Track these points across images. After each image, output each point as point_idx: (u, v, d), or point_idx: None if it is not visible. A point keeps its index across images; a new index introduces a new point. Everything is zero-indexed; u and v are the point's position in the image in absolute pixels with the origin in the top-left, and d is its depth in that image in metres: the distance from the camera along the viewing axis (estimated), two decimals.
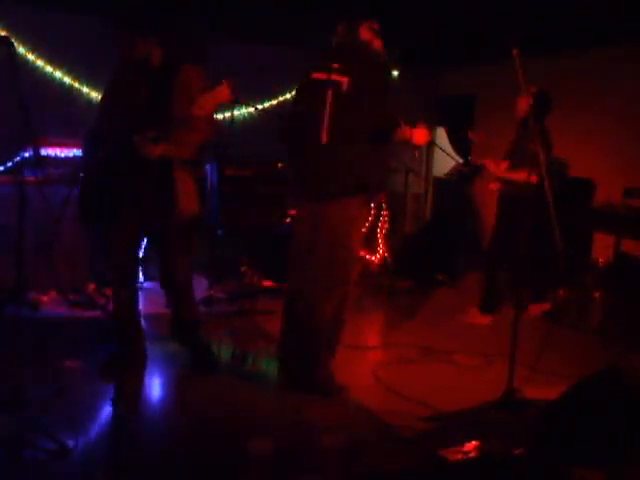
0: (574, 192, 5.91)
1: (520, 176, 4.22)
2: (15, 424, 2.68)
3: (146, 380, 3.31)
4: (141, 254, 4.27)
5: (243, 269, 5.16)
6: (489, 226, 5.63)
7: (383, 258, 5.74)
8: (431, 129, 3.59)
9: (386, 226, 5.78)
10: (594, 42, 5.68)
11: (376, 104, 3.02)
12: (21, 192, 2.82)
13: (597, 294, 5.37)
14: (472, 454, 2.49)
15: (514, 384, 3.14)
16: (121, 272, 3.20)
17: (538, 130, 4.02)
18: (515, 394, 3.14)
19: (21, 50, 5.46)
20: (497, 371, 3.45)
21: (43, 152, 4.68)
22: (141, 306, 3.59)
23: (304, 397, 3.39)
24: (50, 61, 5.65)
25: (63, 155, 4.91)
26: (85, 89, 5.82)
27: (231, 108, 4.93)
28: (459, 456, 2.50)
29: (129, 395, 3.15)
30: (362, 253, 5.87)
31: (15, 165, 4.61)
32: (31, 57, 5.55)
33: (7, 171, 4.66)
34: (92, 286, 4.70)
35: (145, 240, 3.99)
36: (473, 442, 2.57)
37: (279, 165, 5.53)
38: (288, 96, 6.96)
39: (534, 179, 3.80)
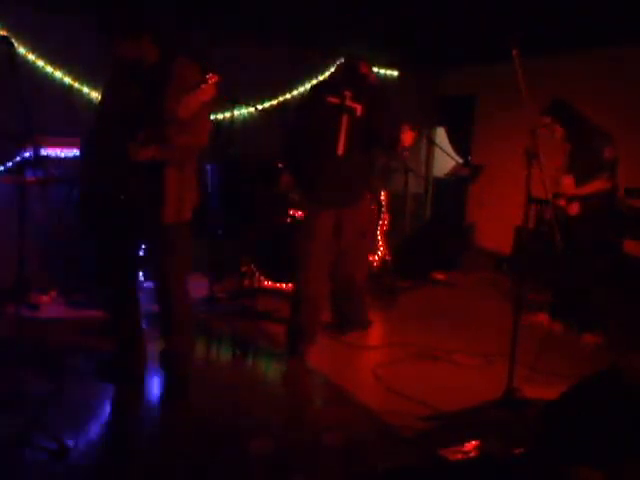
0: None
1: (597, 185, 4.24)
2: (15, 424, 2.68)
3: (146, 380, 3.30)
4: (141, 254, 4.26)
5: (243, 269, 5.16)
6: (489, 225, 5.65)
7: (383, 258, 5.74)
8: (416, 131, 3.98)
9: (386, 226, 5.78)
10: (594, 42, 5.68)
11: (385, 123, 3.72)
12: (21, 192, 2.83)
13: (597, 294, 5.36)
14: (472, 454, 2.49)
15: (514, 384, 3.14)
16: (119, 272, 3.18)
17: (592, 134, 4.15)
18: (515, 394, 3.14)
19: (21, 50, 5.46)
20: (497, 371, 3.45)
21: (43, 152, 4.68)
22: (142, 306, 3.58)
23: (304, 397, 3.40)
24: (50, 61, 5.65)
25: (63, 155, 4.91)
26: (85, 89, 5.82)
27: (231, 108, 4.94)
28: (459, 456, 2.51)
29: (129, 395, 3.16)
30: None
31: (15, 165, 4.61)
32: (31, 57, 5.55)
33: (7, 171, 4.66)
34: (92, 286, 4.69)
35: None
36: (473, 442, 2.57)
37: (279, 165, 5.53)
38: (288, 96, 6.96)
39: (610, 184, 4.01)
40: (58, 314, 4.35)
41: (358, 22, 5.89)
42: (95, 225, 3.17)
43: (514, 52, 3.08)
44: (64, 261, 4.63)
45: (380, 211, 5.74)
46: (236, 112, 5.68)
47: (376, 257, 5.72)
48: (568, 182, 4.31)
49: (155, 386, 3.33)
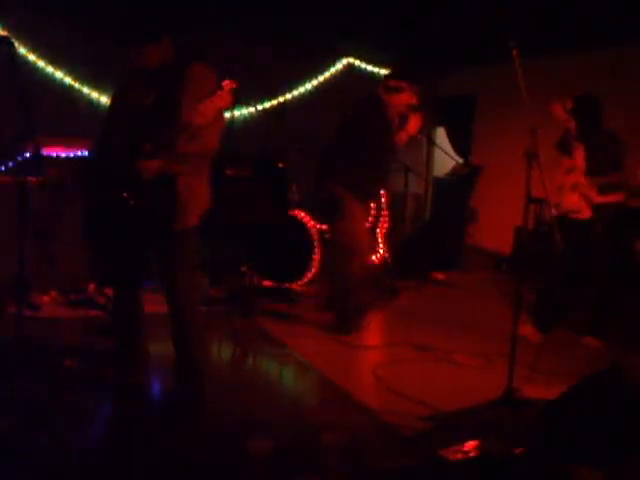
0: None
1: (618, 197, 4.20)
2: (15, 424, 2.68)
3: (147, 380, 3.30)
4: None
5: (243, 269, 5.16)
6: (489, 225, 5.65)
7: (383, 258, 5.74)
8: (421, 117, 4.38)
9: (386, 226, 5.78)
10: (594, 42, 5.68)
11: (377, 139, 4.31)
12: (21, 192, 2.82)
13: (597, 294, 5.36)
14: (472, 454, 2.49)
15: (514, 384, 3.14)
16: (123, 273, 3.17)
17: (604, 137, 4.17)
18: (515, 394, 3.14)
19: (22, 50, 5.46)
20: (497, 371, 3.45)
21: (43, 152, 4.68)
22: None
23: (304, 397, 3.40)
24: (51, 62, 5.66)
25: (63, 155, 4.91)
26: (85, 89, 5.83)
27: (231, 108, 4.94)
28: (459, 456, 2.51)
29: (129, 395, 3.15)
30: None
31: (15, 165, 4.61)
32: (32, 57, 5.55)
33: (7, 171, 4.66)
34: (92, 286, 4.70)
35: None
36: (473, 442, 2.57)
37: (279, 165, 5.54)
38: (288, 96, 6.96)
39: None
40: (58, 314, 4.35)
41: (358, 22, 5.89)
42: (103, 226, 3.13)
43: (514, 52, 3.08)
44: (65, 261, 4.63)
45: (380, 211, 5.74)
46: (236, 112, 5.69)
47: (376, 257, 5.73)
48: (574, 199, 4.22)
49: (155, 386, 3.33)
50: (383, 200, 5.78)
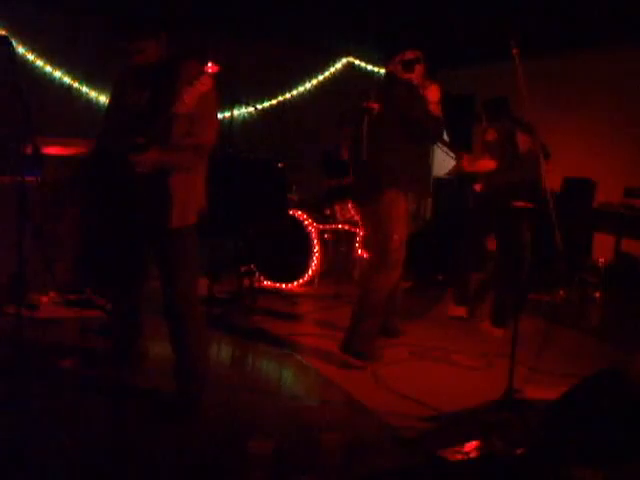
0: (574, 192, 5.91)
1: (482, 164, 4.50)
2: (15, 423, 2.68)
3: (145, 380, 3.30)
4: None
5: (243, 269, 5.16)
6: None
7: None
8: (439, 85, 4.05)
9: None
10: (594, 42, 5.68)
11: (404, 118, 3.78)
12: (20, 192, 2.82)
13: (597, 294, 5.38)
14: (472, 454, 2.49)
15: (514, 384, 3.14)
16: (123, 272, 3.17)
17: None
18: (515, 394, 3.14)
19: (21, 50, 5.46)
20: (497, 371, 3.45)
21: (42, 152, 4.67)
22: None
23: (304, 397, 3.40)
24: (50, 61, 5.66)
25: (63, 155, 4.90)
26: (85, 89, 5.83)
27: (231, 108, 4.94)
28: (459, 456, 2.50)
29: (128, 395, 3.15)
30: (362, 253, 5.87)
31: (14, 165, 4.61)
32: (31, 57, 5.56)
33: (7, 171, 4.65)
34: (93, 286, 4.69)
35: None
36: (473, 442, 2.57)
37: (279, 165, 5.53)
38: (288, 96, 6.96)
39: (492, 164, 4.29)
40: (58, 314, 4.35)
41: (358, 22, 5.89)
42: (103, 224, 3.11)
43: (514, 52, 3.08)
44: (65, 261, 4.62)
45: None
46: (236, 112, 5.69)
47: None
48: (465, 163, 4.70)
49: (155, 387, 3.32)
50: None
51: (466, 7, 5.01)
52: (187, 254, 2.96)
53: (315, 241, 5.45)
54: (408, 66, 3.89)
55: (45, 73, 5.64)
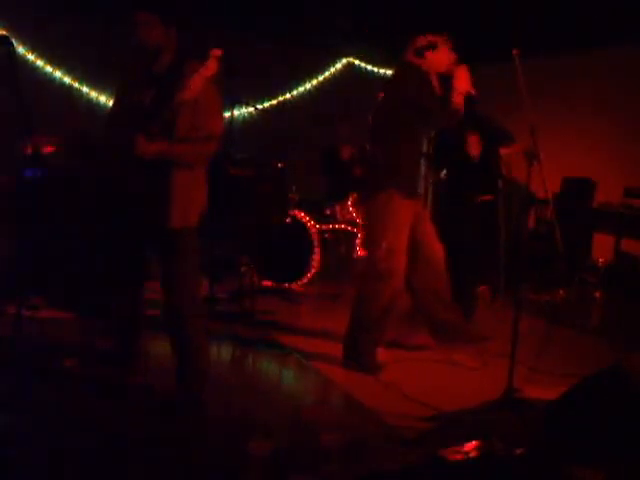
0: (574, 192, 5.91)
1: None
2: (15, 423, 2.68)
3: (146, 380, 3.30)
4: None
5: (243, 269, 5.16)
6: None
7: None
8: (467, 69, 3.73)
9: None
10: (594, 42, 5.68)
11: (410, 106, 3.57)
12: (20, 192, 2.82)
13: (597, 294, 5.38)
14: (472, 454, 2.49)
15: (514, 384, 3.14)
16: (124, 271, 3.16)
17: None
18: (515, 394, 3.14)
19: (21, 50, 5.46)
20: (497, 371, 3.44)
21: (42, 151, 4.67)
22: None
23: (304, 397, 3.40)
24: (50, 61, 5.66)
25: (63, 155, 4.90)
26: (85, 89, 5.83)
27: (231, 108, 4.94)
28: (459, 456, 2.50)
29: (128, 395, 3.15)
30: (362, 253, 5.87)
31: (15, 165, 4.61)
32: (31, 57, 5.55)
33: (7, 171, 4.65)
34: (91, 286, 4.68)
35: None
36: (473, 442, 2.57)
37: (279, 165, 5.53)
38: (288, 96, 6.96)
39: None
40: (58, 314, 4.34)
41: (358, 22, 5.90)
42: (104, 224, 3.09)
43: (514, 52, 3.08)
44: (64, 261, 4.62)
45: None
46: (236, 112, 5.68)
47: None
48: None
49: (155, 387, 3.32)
50: None
51: (466, 7, 5.01)
52: (188, 254, 2.95)
53: (315, 241, 5.45)
54: (419, 52, 3.66)
55: (45, 73, 5.64)
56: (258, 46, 6.38)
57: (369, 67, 7.55)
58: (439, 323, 3.91)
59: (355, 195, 5.92)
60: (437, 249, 3.88)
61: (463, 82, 3.68)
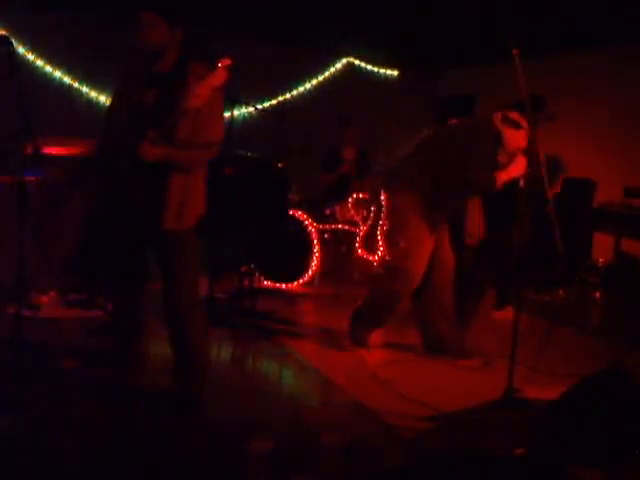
0: (574, 192, 5.91)
1: None
2: (16, 423, 2.68)
3: (146, 380, 3.30)
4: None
5: (243, 269, 5.16)
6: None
7: (383, 259, 5.73)
8: (525, 162, 3.56)
9: (386, 226, 5.77)
10: (594, 42, 5.68)
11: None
12: (20, 192, 2.82)
13: (597, 294, 5.38)
14: (473, 454, 2.49)
15: (514, 384, 3.14)
16: (123, 272, 3.16)
17: None
18: (515, 394, 3.14)
19: (21, 50, 5.46)
20: (497, 371, 3.44)
21: (42, 152, 4.66)
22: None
23: (304, 397, 3.40)
24: (50, 61, 5.66)
25: (63, 155, 4.90)
26: (85, 89, 5.83)
27: (231, 108, 4.93)
28: (459, 456, 2.50)
29: (128, 395, 3.15)
30: (362, 253, 5.87)
31: (14, 165, 4.60)
32: (31, 57, 5.56)
33: (7, 171, 4.65)
34: (92, 286, 4.69)
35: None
36: (474, 442, 2.57)
37: (279, 165, 5.53)
38: (288, 96, 6.96)
39: None
40: (58, 314, 4.35)
41: (358, 22, 5.89)
42: (104, 225, 3.09)
43: (514, 52, 3.07)
44: (65, 260, 4.62)
45: (380, 212, 5.74)
46: (236, 112, 5.68)
47: (376, 258, 5.72)
48: None
49: (155, 387, 3.33)
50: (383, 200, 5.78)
51: (466, 7, 5.00)
52: (186, 255, 2.95)
53: (315, 241, 5.45)
54: (506, 122, 3.68)
55: (45, 73, 5.64)
56: (258, 46, 6.38)
57: (369, 67, 7.55)
58: (438, 337, 3.96)
59: (355, 195, 5.92)
60: (449, 259, 3.93)
61: (518, 170, 3.56)
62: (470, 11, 5.08)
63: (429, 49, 6.73)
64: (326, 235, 5.66)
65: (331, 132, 6.20)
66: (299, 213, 5.54)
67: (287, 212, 5.54)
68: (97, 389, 3.17)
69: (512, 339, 3.14)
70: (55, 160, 4.71)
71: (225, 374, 3.58)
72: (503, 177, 3.61)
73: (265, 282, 5.47)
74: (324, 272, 5.62)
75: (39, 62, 5.60)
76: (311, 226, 5.49)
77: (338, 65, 7.34)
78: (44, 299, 4.52)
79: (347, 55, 7.34)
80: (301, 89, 7.07)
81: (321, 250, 5.47)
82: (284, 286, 5.49)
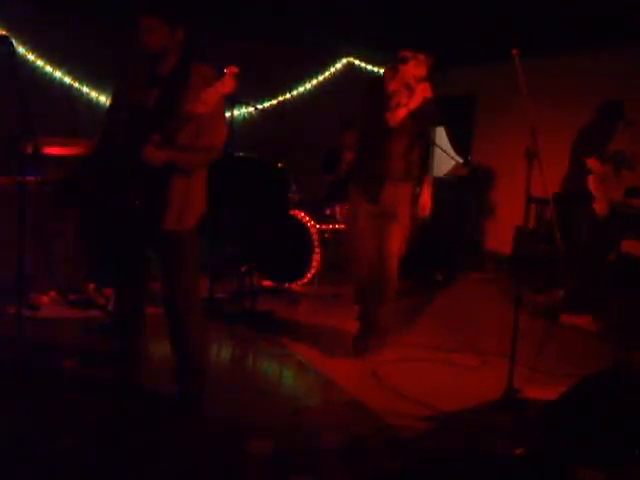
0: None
1: None
2: (16, 423, 2.68)
3: (146, 380, 3.30)
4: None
5: (243, 269, 5.16)
6: (489, 225, 5.63)
7: None
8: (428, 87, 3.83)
9: None
10: (594, 42, 5.68)
11: None
12: (21, 192, 2.82)
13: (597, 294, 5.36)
14: (473, 454, 2.50)
15: (514, 384, 3.14)
16: (124, 271, 3.16)
17: None
18: (515, 394, 3.14)
19: (21, 50, 5.46)
20: (497, 371, 3.45)
21: (42, 152, 4.67)
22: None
23: (304, 397, 3.40)
24: (50, 61, 5.66)
25: (63, 155, 4.90)
26: (85, 89, 5.83)
27: (231, 108, 4.94)
28: (459, 456, 2.51)
29: (128, 395, 3.15)
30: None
31: (14, 165, 4.60)
32: (31, 57, 5.55)
33: (7, 171, 4.65)
34: (92, 286, 4.69)
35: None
36: (473, 442, 2.57)
37: (279, 165, 5.53)
38: (288, 96, 6.96)
39: None
40: (58, 314, 4.35)
41: (358, 22, 5.89)
42: (104, 226, 3.09)
43: (514, 52, 3.08)
44: (65, 261, 4.63)
45: None
46: (236, 112, 5.68)
47: None
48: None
49: (155, 387, 3.33)
50: None
51: (467, 7, 5.00)
52: (186, 256, 2.96)
53: (315, 241, 5.45)
54: (395, 64, 3.87)
55: (45, 73, 5.63)
56: (258, 46, 6.38)
57: (369, 67, 7.55)
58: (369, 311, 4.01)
59: None
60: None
61: (417, 99, 3.78)
62: (470, 11, 5.07)
63: (429, 49, 6.73)
64: (326, 235, 5.66)
65: (331, 132, 6.20)
66: (299, 213, 5.54)
67: (287, 212, 5.54)
68: (97, 389, 3.17)
69: (512, 339, 3.14)
70: (55, 160, 4.72)
71: (225, 374, 3.58)
72: (399, 113, 3.73)
73: (265, 282, 5.47)
74: (324, 272, 5.62)
75: (39, 62, 5.60)
76: (311, 226, 5.49)
77: (338, 65, 7.34)
78: (44, 299, 4.53)
79: (347, 55, 7.34)
80: (301, 89, 7.07)
81: (321, 250, 5.47)
82: (284, 286, 5.49)
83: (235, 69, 2.62)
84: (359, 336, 3.98)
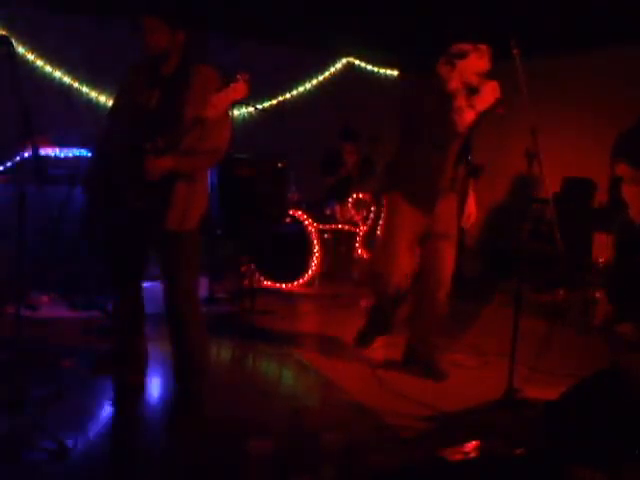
0: (574, 192, 5.91)
1: None
2: (15, 424, 2.68)
3: (146, 380, 3.30)
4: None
5: (243, 269, 5.16)
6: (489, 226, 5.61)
7: None
8: (496, 86, 3.31)
9: None
10: (594, 42, 5.68)
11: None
12: (21, 192, 2.82)
13: (597, 294, 5.37)
14: (472, 454, 2.49)
15: (514, 384, 3.14)
16: (123, 272, 3.16)
17: None
18: (515, 394, 3.14)
19: (21, 50, 5.45)
20: (497, 371, 3.44)
21: (42, 152, 4.67)
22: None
23: (304, 397, 3.40)
24: (50, 61, 5.65)
25: (63, 155, 4.91)
26: (85, 89, 5.82)
27: (231, 108, 4.94)
28: (459, 456, 2.50)
29: (129, 395, 3.15)
30: (362, 253, 5.87)
31: (14, 165, 4.61)
32: (31, 57, 5.55)
33: (6, 171, 4.66)
34: (92, 286, 4.69)
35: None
36: (473, 442, 2.57)
37: (279, 165, 5.53)
38: (288, 96, 6.96)
39: None
40: (58, 314, 4.35)
41: (358, 22, 5.89)
42: (103, 227, 3.09)
43: (514, 52, 3.07)
44: (64, 262, 4.62)
45: (380, 212, 5.74)
46: (236, 112, 5.68)
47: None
48: None
49: (155, 387, 3.33)
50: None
51: (466, 6, 5.01)
52: (187, 256, 2.95)
53: (315, 241, 5.45)
54: (450, 61, 3.60)
55: (45, 73, 5.63)
56: (258, 46, 6.38)
57: (369, 67, 7.55)
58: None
59: (355, 195, 5.92)
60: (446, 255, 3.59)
61: (487, 98, 3.34)
62: (470, 11, 5.08)
63: (429, 49, 6.73)
64: (326, 235, 5.66)
65: (331, 132, 6.20)
66: (299, 213, 5.54)
67: (287, 212, 5.54)
68: (97, 389, 3.17)
69: (512, 339, 3.14)
70: (55, 160, 4.72)
71: (225, 374, 3.58)
72: (468, 115, 3.33)
73: (265, 282, 5.47)
74: (324, 272, 5.62)
75: (39, 62, 5.59)
76: (311, 226, 5.49)
77: (338, 65, 7.34)
78: (44, 299, 4.52)
79: (347, 55, 7.34)
80: (301, 89, 7.07)
81: (321, 250, 5.47)
82: (284, 286, 5.49)
83: (246, 75, 2.63)
84: (364, 332, 3.96)
